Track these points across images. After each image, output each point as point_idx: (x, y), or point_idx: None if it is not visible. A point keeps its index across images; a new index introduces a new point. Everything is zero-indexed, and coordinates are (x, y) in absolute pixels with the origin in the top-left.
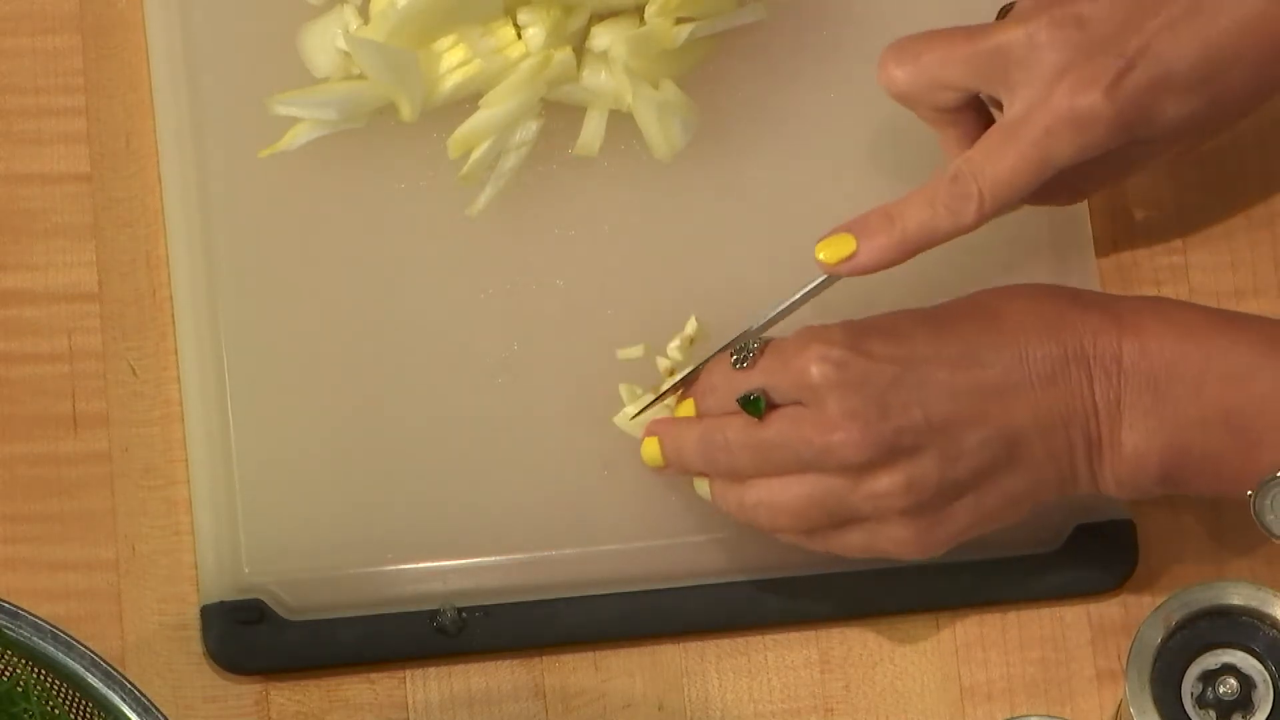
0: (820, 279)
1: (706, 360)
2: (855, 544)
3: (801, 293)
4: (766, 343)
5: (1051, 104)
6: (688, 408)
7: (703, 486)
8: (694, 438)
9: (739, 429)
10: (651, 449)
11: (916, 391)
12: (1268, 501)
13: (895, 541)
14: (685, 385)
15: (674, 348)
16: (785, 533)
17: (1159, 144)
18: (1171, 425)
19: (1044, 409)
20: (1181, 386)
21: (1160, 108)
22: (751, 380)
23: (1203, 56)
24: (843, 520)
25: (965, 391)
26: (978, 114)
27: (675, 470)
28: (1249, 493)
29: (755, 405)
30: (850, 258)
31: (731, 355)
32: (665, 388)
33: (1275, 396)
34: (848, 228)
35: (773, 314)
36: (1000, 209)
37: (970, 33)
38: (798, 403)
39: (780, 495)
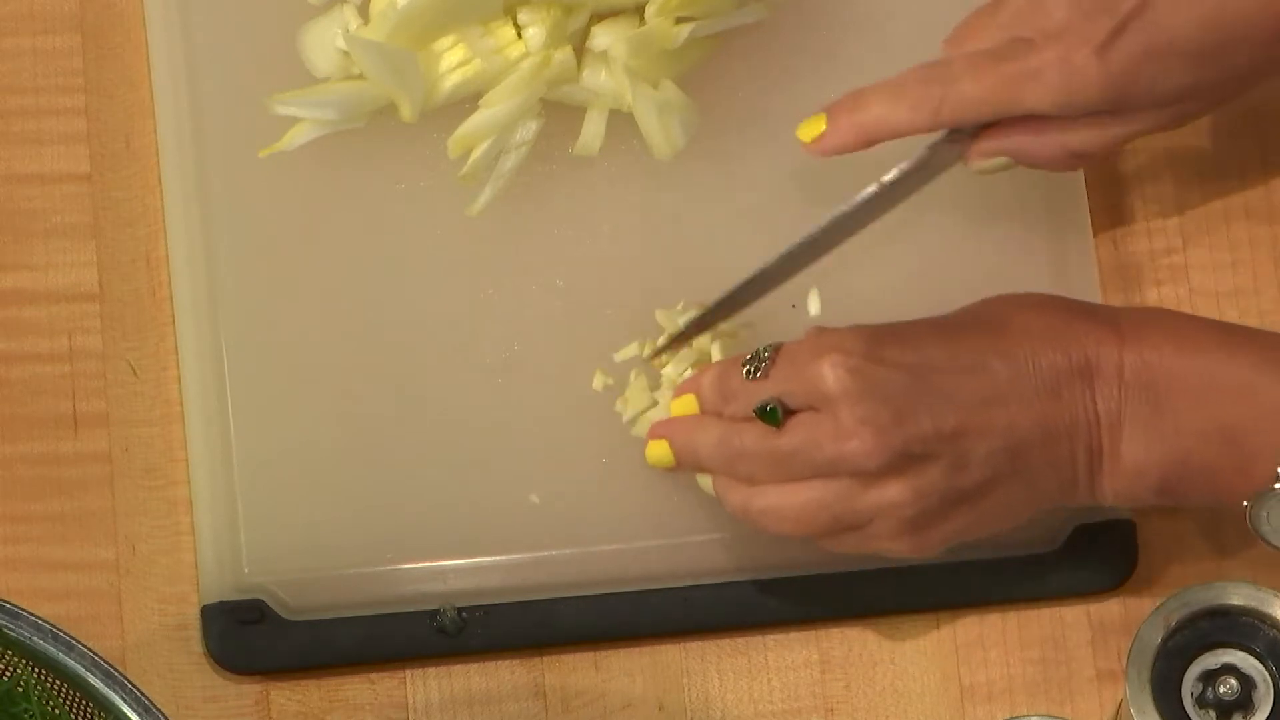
0: (860, 198)
1: (712, 310)
2: (849, 543)
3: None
4: (778, 349)
5: (1045, 51)
6: (687, 404)
7: (708, 482)
8: (711, 441)
9: (756, 437)
10: (659, 450)
11: (928, 399)
12: (1263, 513)
13: (891, 542)
14: (686, 339)
15: (670, 315)
16: (787, 535)
17: (1153, 112)
18: (1171, 438)
19: (1048, 420)
20: (1180, 400)
21: (1154, 75)
22: (766, 389)
23: (1202, 29)
24: (846, 525)
25: (974, 400)
26: None
27: (687, 469)
28: (1245, 504)
29: (772, 415)
30: (820, 138)
31: (743, 366)
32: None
33: (1272, 410)
34: (825, 108)
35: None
36: (959, 123)
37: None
38: (812, 408)
39: (788, 500)
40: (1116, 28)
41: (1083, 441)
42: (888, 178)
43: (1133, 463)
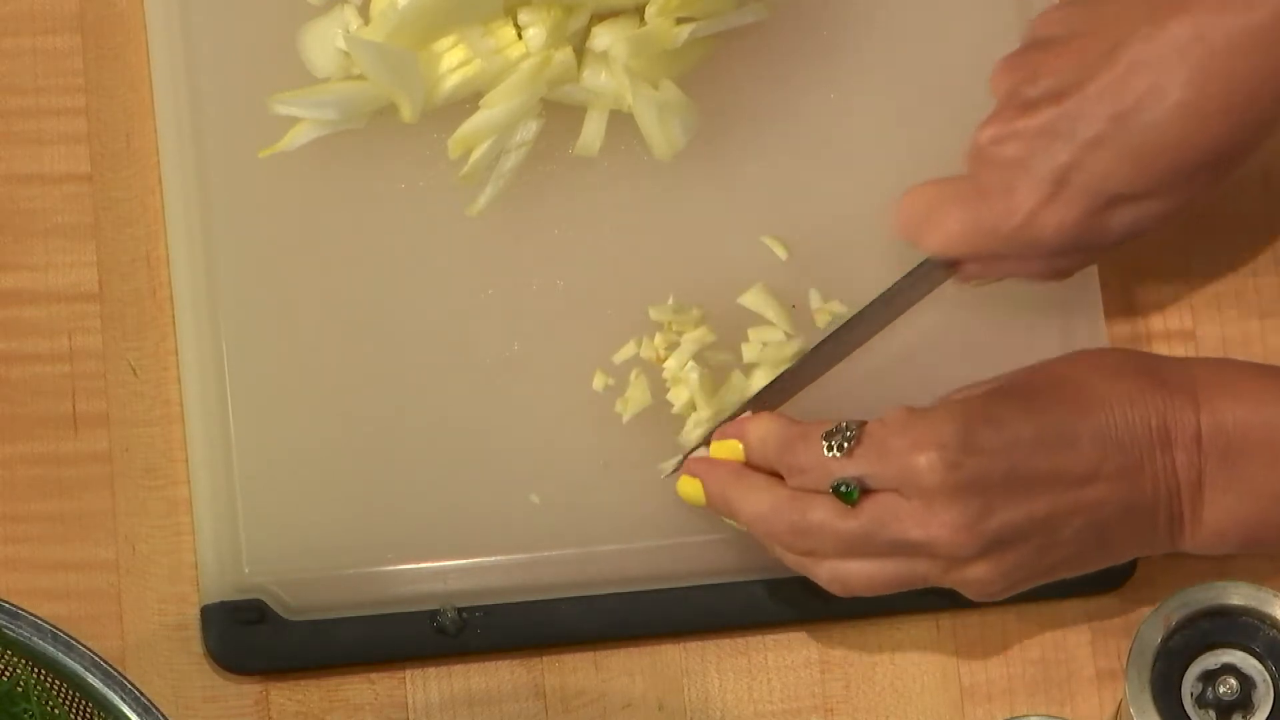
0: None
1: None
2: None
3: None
4: (862, 427)
5: (1000, 202)
6: (731, 450)
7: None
8: (760, 506)
9: (827, 514)
10: (693, 489)
11: (1021, 486)
12: None
13: (968, 597)
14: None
15: (661, 310)
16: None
17: (1122, 240)
18: (1249, 499)
19: (1132, 493)
20: (1256, 460)
21: (1105, 221)
22: (846, 468)
23: (1133, 175)
24: (923, 591)
25: (1063, 480)
26: None
27: (718, 515)
28: None
29: (850, 495)
30: None
31: (824, 440)
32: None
33: None
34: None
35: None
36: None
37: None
38: (894, 490)
39: (859, 578)
40: (1058, 181)
41: (1164, 510)
42: (880, 295)
43: (1214, 525)
